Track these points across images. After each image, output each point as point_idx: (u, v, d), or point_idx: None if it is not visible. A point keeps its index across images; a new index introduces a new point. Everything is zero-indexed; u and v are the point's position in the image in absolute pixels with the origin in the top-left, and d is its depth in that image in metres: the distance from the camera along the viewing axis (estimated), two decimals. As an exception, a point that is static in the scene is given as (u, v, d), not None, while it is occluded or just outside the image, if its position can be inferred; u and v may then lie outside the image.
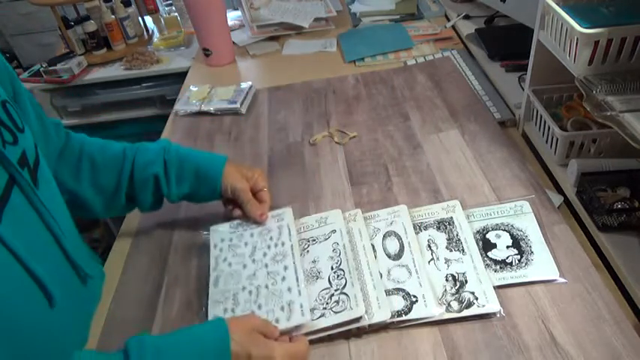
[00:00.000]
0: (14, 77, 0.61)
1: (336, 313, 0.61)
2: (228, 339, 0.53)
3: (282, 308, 0.62)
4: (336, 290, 0.63)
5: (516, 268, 0.64)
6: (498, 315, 0.59)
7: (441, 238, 0.70)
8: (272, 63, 1.35)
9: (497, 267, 0.65)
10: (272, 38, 1.46)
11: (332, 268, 0.66)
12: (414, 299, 0.62)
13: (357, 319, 0.60)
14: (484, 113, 0.97)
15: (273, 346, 0.55)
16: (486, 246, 0.68)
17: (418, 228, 0.72)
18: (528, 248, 0.66)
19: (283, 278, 0.65)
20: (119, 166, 0.72)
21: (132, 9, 1.56)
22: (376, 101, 1.06)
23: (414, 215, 0.74)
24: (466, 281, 0.63)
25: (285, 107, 1.10)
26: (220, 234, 0.74)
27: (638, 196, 0.70)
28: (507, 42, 1.17)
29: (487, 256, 0.67)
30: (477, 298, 0.61)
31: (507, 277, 0.63)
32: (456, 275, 0.64)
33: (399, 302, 0.62)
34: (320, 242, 0.71)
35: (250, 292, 0.64)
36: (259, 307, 0.63)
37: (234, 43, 1.41)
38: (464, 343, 0.58)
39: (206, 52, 1.35)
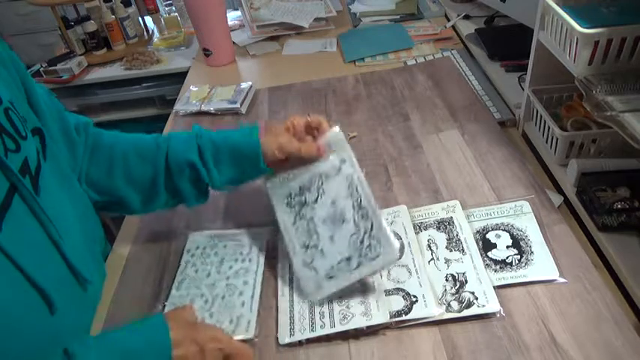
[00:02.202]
0: (27, 79, 0.61)
1: (372, 259, 0.61)
2: (166, 326, 0.53)
3: (231, 321, 0.63)
4: (364, 233, 0.63)
5: (516, 268, 0.64)
6: (498, 315, 0.59)
7: (441, 238, 0.70)
8: (272, 63, 1.35)
9: (497, 267, 0.65)
10: (272, 38, 1.46)
11: (354, 207, 0.65)
12: (414, 299, 0.62)
13: (393, 261, 0.61)
14: (484, 113, 0.97)
15: (215, 329, 0.56)
16: (486, 246, 0.68)
17: (418, 228, 0.72)
18: (528, 248, 0.66)
19: (240, 293, 0.66)
20: (153, 158, 0.69)
21: (132, 9, 1.56)
22: (376, 101, 1.06)
23: (414, 215, 0.74)
24: (466, 281, 0.63)
25: (285, 107, 1.10)
26: (196, 242, 0.75)
27: (638, 196, 0.70)
28: (507, 42, 1.17)
29: (487, 256, 0.66)
30: (476, 298, 0.61)
31: (507, 277, 0.63)
32: (456, 275, 0.64)
33: (399, 302, 0.62)
34: (332, 177, 0.68)
35: (206, 301, 0.66)
36: (210, 315, 0.64)
37: (234, 43, 1.41)
38: (464, 343, 0.58)
39: (206, 52, 1.35)
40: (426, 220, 0.73)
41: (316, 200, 0.67)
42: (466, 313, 0.60)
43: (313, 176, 0.68)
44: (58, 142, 0.64)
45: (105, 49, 1.53)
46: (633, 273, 0.62)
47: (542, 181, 0.80)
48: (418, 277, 0.64)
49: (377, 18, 1.48)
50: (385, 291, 0.63)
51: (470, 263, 0.65)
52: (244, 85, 1.16)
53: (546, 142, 0.83)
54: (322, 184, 0.68)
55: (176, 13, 1.65)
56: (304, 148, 0.68)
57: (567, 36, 0.69)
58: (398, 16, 1.47)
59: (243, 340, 0.61)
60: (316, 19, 1.46)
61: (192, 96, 1.16)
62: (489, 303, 0.60)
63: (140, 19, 1.61)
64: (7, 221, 0.49)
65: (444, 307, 0.61)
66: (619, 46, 0.66)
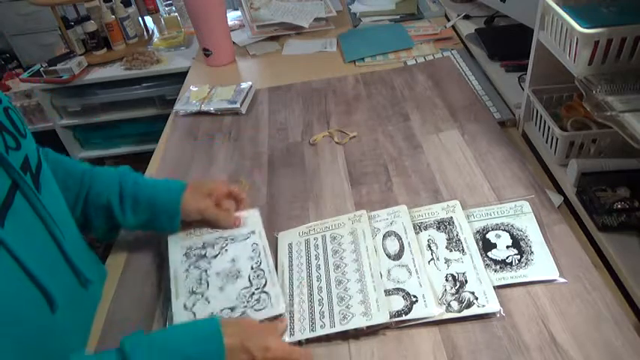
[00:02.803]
0: None
1: (256, 311, 0.62)
2: (220, 332, 0.53)
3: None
4: (256, 289, 0.65)
5: (516, 268, 0.64)
6: (498, 315, 0.59)
7: (441, 238, 0.70)
8: (272, 63, 1.35)
9: (497, 267, 0.65)
10: (272, 38, 1.46)
11: (252, 268, 0.68)
12: (414, 299, 0.62)
13: (278, 316, 0.62)
14: (484, 113, 0.97)
15: (267, 336, 0.56)
16: (486, 246, 0.68)
17: (418, 228, 0.72)
18: (528, 248, 0.66)
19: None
20: (76, 191, 0.70)
21: (132, 9, 1.57)
22: (376, 101, 1.06)
23: (414, 215, 0.74)
24: (466, 281, 0.63)
25: (285, 107, 1.10)
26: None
27: (638, 196, 0.70)
28: (507, 42, 1.17)
29: (487, 256, 0.66)
30: (476, 298, 0.61)
31: (507, 277, 0.63)
32: (456, 275, 0.64)
33: (399, 302, 0.62)
34: (239, 242, 0.72)
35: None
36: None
37: (234, 43, 1.41)
38: (464, 343, 0.58)
39: (206, 52, 1.35)
40: (426, 220, 0.73)
41: (216, 256, 0.70)
42: (466, 313, 0.60)
43: (220, 237, 0.73)
44: None
45: (105, 49, 1.53)
46: (633, 273, 0.62)
47: (542, 181, 0.80)
48: (418, 277, 0.64)
49: (377, 18, 1.48)
50: (385, 291, 0.63)
51: (470, 263, 0.65)
52: (244, 85, 1.16)
53: (546, 142, 0.83)
54: (227, 244, 0.72)
55: (176, 13, 1.65)
56: (223, 217, 0.73)
57: (567, 36, 0.69)
58: (398, 16, 1.47)
59: (277, 317, 0.62)
60: (316, 19, 1.46)
61: (192, 96, 1.16)
62: (489, 303, 0.60)
63: (140, 19, 1.61)
64: (9, 219, 0.49)
65: (444, 307, 0.61)
66: (619, 46, 0.66)
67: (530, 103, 0.88)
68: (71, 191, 0.69)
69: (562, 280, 0.62)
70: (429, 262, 0.67)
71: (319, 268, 0.68)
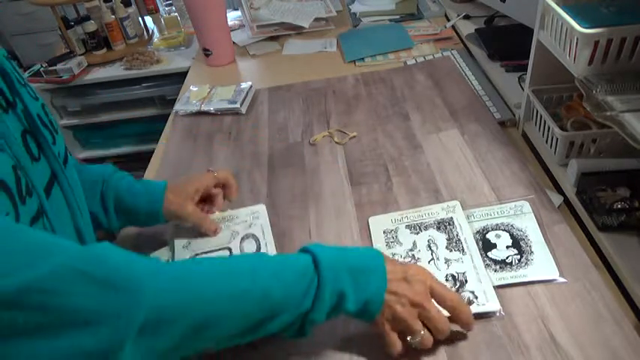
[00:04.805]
0: None
1: None
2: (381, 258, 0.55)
3: None
4: None
5: (516, 267, 0.64)
6: (498, 315, 0.59)
7: (441, 238, 0.70)
8: (272, 63, 1.35)
9: (497, 267, 0.65)
10: (272, 38, 1.46)
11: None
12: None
13: None
14: (484, 113, 0.97)
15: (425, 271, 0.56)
16: (486, 246, 0.68)
17: (418, 228, 0.72)
18: (528, 248, 0.66)
19: None
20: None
21: (132, 9, 1.57)
22: (376, 101, 1.06)
23: (414, 215, 0.74)
24: (466, 281, 0.63)
25: (285, 107, 1.10)
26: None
27: (638, 196, 0.70)
28: (507, 42, 1.17)
29: (487, 256, 0.66)
30: (476, 298, 0.61)
31: (507, 276, 0.63)
32: (456, 275, 0.64)
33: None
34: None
35: None
36: None
37: (234, 43, 1.41)
38: (464, 343, 0.58)
39: (206, 52, 1.35)
40: (426, 220, 0.73)
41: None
42: (466, 312, 0.60)
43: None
44: None
45: (105, 49, 1.53)
46: (633, 273, 0.62)
47: (542, 181, 0.80)
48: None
49: (377, 18, 1.48)
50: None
51: (470, 263, 0.65)
52: (244, 85, 1.16)
53: (546, 142, 0.83)
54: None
55: (176, 13, 1.65)
56: (206, 225, 0.73)
57: (567, 36, 0.69)
58: (398, 16, 1.47)
59: None
60: (316, 19, 1.46)
61: (192, 96, 1.16)
62: (489, 302, 0.60)
63: (140, 19, 1.61)
64: (49, 210, 0.51)
65: (444, 307, 0.61)
66: (619, 46, 0.66)
67: (530, 103, 0.88)
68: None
69: (562, 280, 0.62)
70: (429, 262, 0.67)
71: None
